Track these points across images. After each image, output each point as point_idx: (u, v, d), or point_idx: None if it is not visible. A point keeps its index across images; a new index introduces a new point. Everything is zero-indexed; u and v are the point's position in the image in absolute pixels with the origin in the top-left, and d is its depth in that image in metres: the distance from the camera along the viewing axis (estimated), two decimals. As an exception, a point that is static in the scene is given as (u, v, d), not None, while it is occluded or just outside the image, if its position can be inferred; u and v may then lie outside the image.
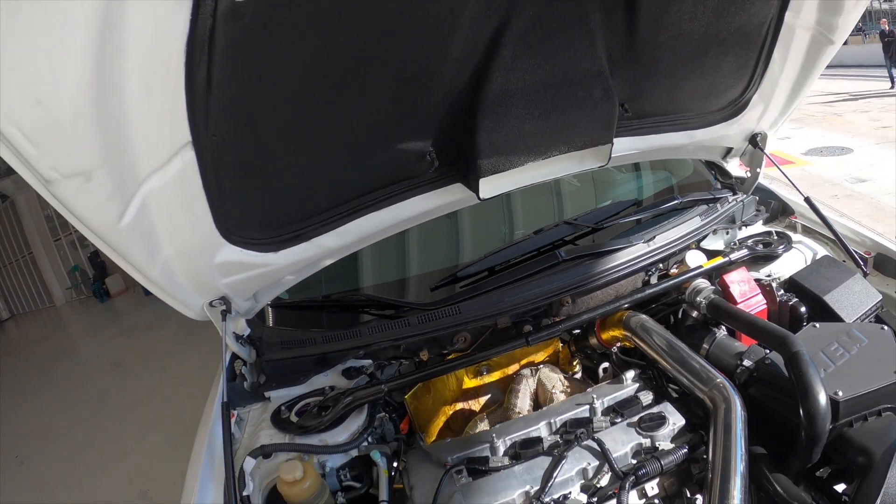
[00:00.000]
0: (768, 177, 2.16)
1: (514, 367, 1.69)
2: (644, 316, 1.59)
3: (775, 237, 1.90)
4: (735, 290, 1.59)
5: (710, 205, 1.91)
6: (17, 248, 13.00)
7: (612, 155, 1.56)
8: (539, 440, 1.31)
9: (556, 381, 1.59)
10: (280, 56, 1.03)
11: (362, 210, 1.47)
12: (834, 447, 1.17)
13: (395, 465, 1.38)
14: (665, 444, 1.29)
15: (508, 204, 1.97)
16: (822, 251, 1.85)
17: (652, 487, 1.25)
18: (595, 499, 1.20)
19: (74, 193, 0.98)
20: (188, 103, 0.97)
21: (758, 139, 1.95)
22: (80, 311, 11.27)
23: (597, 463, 1.25)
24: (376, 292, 1.80)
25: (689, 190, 2.05)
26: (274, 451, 1.29)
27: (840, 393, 1.14)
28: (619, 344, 1.68)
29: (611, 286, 1.66)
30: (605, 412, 1.39)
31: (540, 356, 1.73)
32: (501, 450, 1.30)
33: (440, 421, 1.61)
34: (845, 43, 1.69)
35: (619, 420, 1.36)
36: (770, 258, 1.80)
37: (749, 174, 2.06)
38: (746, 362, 1.38)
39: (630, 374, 1.50)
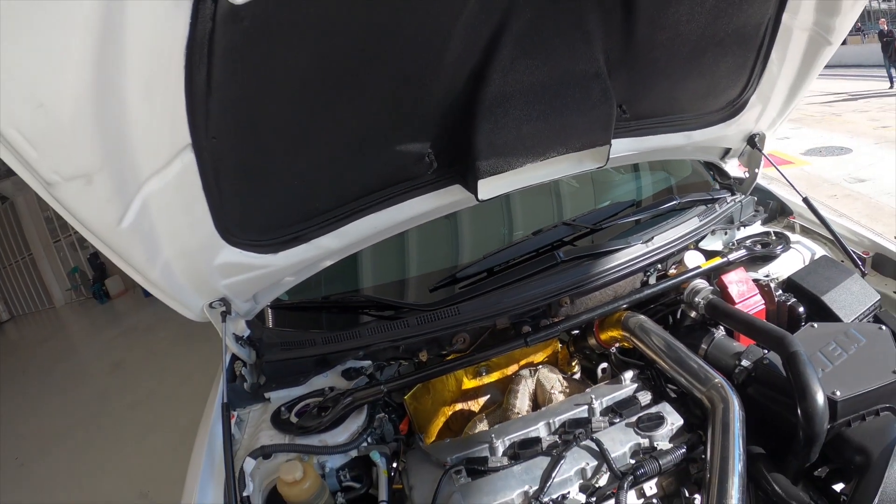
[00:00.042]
0: (767, 177, 2.16)
1: (513, 368, 1.69)
2: (642, 316, 1.60)
3: (774, 237, 1.91)
4: (733, 291, 1.60)
5: (709, 205, 1.91)
6: (16, 250, 13.00)
7: (611, 156, 1.57)
8: (538, 440, 1.32)
9: (554, 382, 1.60)
10: (279, 58, 1.03)
11: (361, 211, 1.47)
12: (832, 447, 1.17)
13: (394, 465, 1.38)
14: (663, 444, 1.29)
15: (507, 205, 1.97)
16: (820, 251, 1.85)
17: (650, 487, 1.25)
18: (594, 499, 1.21)
19: (75, 196, 0.99)
20: (188, 106, 0.98)
21: (756, 140, 1.96)
22: (79, 313, 11.27)
23: (595, 463, 1.25)
24: (376, 293, 1.81)
25: (688, 190, 2.06)
26: (274, 451, 1.29)
27: (838, 393, 1.15)
28: (617, 344, 1.68)
29: (609, 287, 1.67)
30: (604, 412, 1.39)
31: (539, 357, 1.74)
32: (500, 450, 1.31)
33: (439, 421, 1.61)
34: (844, 42, 1.70)
35: (618, 420, 1.36)
36: (768, 258, 1.81)
37: (747, 175, 2.06)
38: (745, 362, 1.38)
39: (628, 374, 1.51)
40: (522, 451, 1.29)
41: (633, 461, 1.27)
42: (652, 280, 1.76)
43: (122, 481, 3.89)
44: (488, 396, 1.67)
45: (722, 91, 1.76)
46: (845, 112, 11.08)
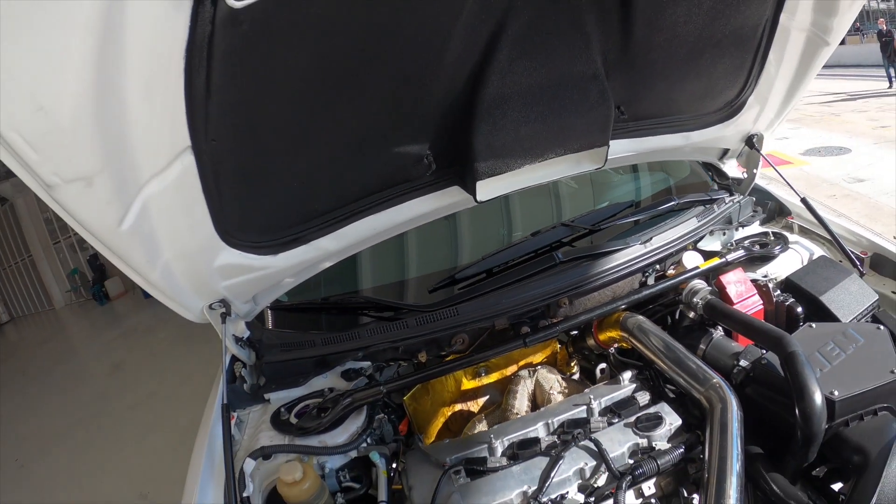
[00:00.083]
0: (765, 177, 2.17)
1: (512, 369, 1.69)
2: (641, 317, 1.60)
3: (772, 238, 1.91)
4: (732, 291, 1.60)
5: (707, 206, 1.92)
6: (16, 251, 13.02)
7: (609, 157, 1.57)
8: (537, 441, 1.32)
9: (553, 382, 1.60)
10: (279, 60, 1.04)
11: (361, 213, 1.48)
12: (830, 446, 1.17)
13: (393, 465, 1.38)
14: (662, 444, 1.29)
15: (506, 206, 1.97)
16: (818, 251, 1.86)
17: (649, 487, 1.26)
18: (592, 498, 1.21)
19: (76, 198, 0.99)
20: (188, 108, 0.98)
21: (754, 140, 1.96)
22: (79, 314, 11.28)
23: (594, 463, 1.26)
24: (375, 294, 1.81)
25: (687, 191, 2.06)
26: (274, 452, 1.29)
27: (836, 392, 1.15)
28: (616, 345, 1.68)
29: (608, 287, 1.67)
30: (603, 413, 1.40)
31: (538, 357, 1.74)
32: (499, 450, 1.31)
33: (439, 422, 1.61)
34: (843, 42, 1.71)
35: (617, 420, 1.36)
36: (767, 259, 1.81)
37: (746, 175, 2.07)
38: (743, 362, 1.38)
39: (627, 374, 1.51)
40: (521, 451, 1.30)
41: (631, 461, 1.27)
42: (650, 281, 1.76)
43: (122, 482, 3.89)
44: (487, 397, 1.67)
45: (720, 92, 1.76)
46: (844, 112, 11.09)
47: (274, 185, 1.30)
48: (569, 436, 1.31)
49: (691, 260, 1.73)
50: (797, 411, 1.13)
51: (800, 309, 1.59)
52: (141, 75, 0.90)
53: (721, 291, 1.61)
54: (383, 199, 1.48)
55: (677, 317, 1.70)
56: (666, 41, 1.44)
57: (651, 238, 1.73)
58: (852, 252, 1.76)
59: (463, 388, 1.66)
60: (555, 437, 1.34)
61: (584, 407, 1.40)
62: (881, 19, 15.16)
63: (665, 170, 2.22)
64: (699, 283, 1.64)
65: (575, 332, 1.77)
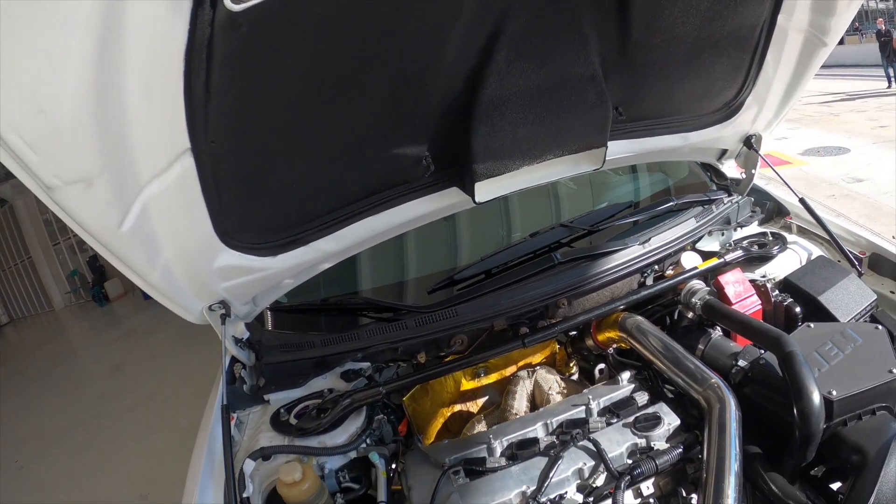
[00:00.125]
0: (764, 178, 2.17)
1: (511, 369, 1.70)
2: (640, 317, 1.60)
3: (770, 238, 1.91)
4: (730, 291, 1.61)
5: (706, 206, 1.92)
6: (16, 253, 13.01)
7: (607, 158, 1.57)
8: (535, 441, 1.33)
9: (552, 383, 1.60)
10: (278, 61, 1.04)
11: (360, 214, 1.48)
12: (828, 446, 1.18)
13: (393, 466, 1.39)
14: (660, 444, 1.30)
15: (505, 207, 1.98)
16: (817, 251, 1.86)
17: (647, 487, 1.26)
18: (591, 499, 1.21)
19: (76, 200, 0.99)
20: (187, 110, 0.98)
21: (752, 141, 1.96)
22: (79, 316, 11.27)
23: (593, 463, 1.26)
24: (374, 295, 1.81)
25: (685, 191, 2.07)
26: (273, 453, 1.30)
27: (834, 392, 1.16)
28: (615, 345, 1.69)
29: (606, 288, 1.67)
30: (601, 413, 1.40)
31: (537, 358, 1.74)
32: (498, 450, 1.32)
33: (438, 422, 1.62)
34: (842, 42, 1.71)
35: (615, 420, 1.37)
36: (765, 259, 1.82)
37: (744, 175, 2.07)
38: (741, 362, 1.39)
39: (626, 375, 1.52)
40: (520, 451, 1.30)
41: (630, 461, 1.27)
42: (649, 281, 1.77)
43: (122, 483, 3.89)
44: (486, 397, 1.68)
45: (718, 93, 1.77)
46: (843, 112, 11.09)
47: (273, 186, 1.30)
48: (567, 436, 1.32)
49: (690, 260, 1.74)
50: (795, 411, 1.13)
51: (798, 309, 1.59)
52: (141, 76, 0.90)
53: (719, 292, 1.62)
54: (382, 201, 1.48)
55: (676, 317, 1.70)
56: (664, 42, 1.44)
57: (650, 238, 1.73)
58: (851, 252, 1.76)
59: (462, 388, 1.66)
60: (553, 438, 1.34)
61: (583, 407, 1.40)
62: (880, 19, 15.18)
63: (664, 170, 2.23)
64: (698, 284, 1.65)
65: (574, 333, 1.77)
